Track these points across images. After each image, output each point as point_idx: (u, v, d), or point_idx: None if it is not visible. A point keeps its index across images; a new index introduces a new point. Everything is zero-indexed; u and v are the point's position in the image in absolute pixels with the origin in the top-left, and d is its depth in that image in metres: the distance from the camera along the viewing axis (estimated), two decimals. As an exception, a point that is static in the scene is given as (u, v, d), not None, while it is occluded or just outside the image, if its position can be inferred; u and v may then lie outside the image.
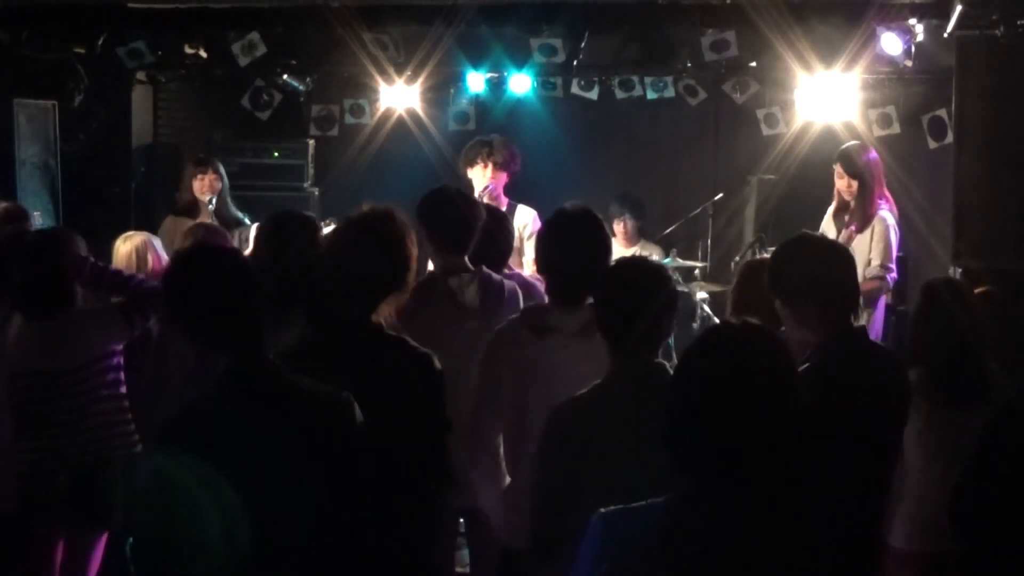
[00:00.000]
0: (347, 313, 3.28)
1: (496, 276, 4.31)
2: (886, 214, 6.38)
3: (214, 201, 6.96)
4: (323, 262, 3.39)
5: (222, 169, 7.13)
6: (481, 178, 6.50)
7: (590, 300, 3.71)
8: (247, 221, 6.91)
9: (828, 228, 6.47)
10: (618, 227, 8.04)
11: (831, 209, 6.59)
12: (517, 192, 6.73)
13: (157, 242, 5.54)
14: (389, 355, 3.28)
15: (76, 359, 4.36)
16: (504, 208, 6.27)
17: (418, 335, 3.39)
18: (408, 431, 3.19)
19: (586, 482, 2.85)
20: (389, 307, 3.33)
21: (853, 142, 6.75)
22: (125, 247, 5.37)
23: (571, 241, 3.71)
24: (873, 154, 6.51)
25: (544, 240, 3.81)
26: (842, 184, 6.42)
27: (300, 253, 3.99)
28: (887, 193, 6.52)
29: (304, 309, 3.65)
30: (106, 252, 5.37)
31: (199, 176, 6.99)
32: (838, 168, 6.45)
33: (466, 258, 4.28)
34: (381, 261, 3.30)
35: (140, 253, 5.34)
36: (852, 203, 6.40)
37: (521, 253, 6.41)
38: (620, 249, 7.76)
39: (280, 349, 3.52)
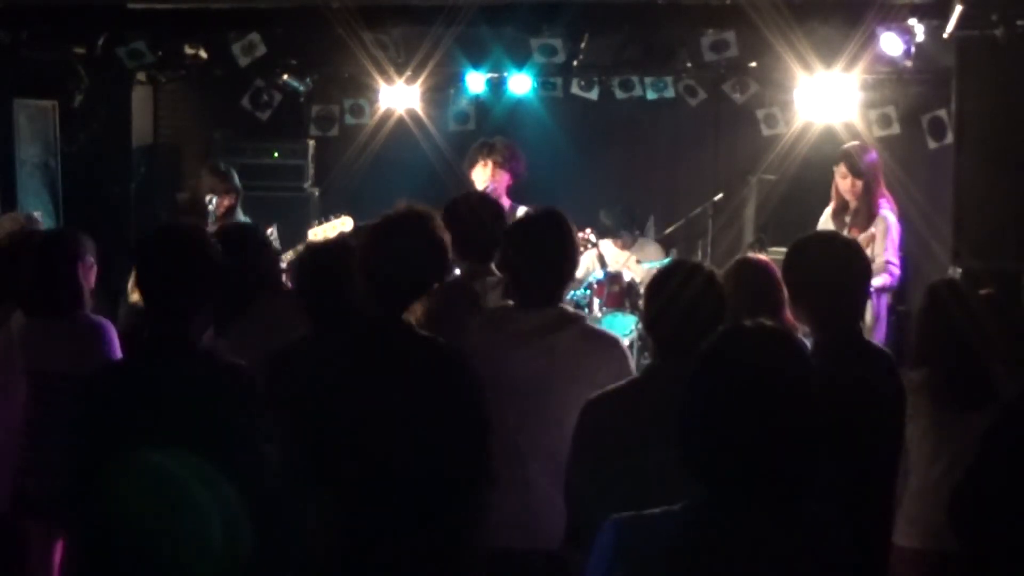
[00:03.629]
0: (381, 312, 3.26)
1: None
2: (887, 213, 6.38)
3: (213, 202, 6.94)
4: (360, 258, 3.36)
5: (237, 181, 7.07)
6: (482, 177, 6.49)
7: (558, 303, 3.69)
8: None
9: (827, 228, 6.45)
10: (615, 240, 7.96)
11: (829, 209, 6.58)
12: (517, 191, 6.73)
13: None
14: (422, 354, 3.25)
15: (82, 366, 4.33)
16: (507, 210, 6.26)
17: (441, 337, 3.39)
18: (444, 429, 3.16)
19: (619, 475, 2.84)
20: (421, 307, 3.31)
21: (853, 143, 6.75)
22: None
23: (534, 243, 3.68)
24: (873, 154, 6.51)
25: (507, 242, 3.79)
26: (845, 184, 6.40)
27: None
28: (886, 192, 6.52)
29: (311, 307, 3.66)
30: (108, 252, 5.36)
31: (220, 196, 6.90)
32: (841, 168, 6.43)
33: (492, 264, 4.29)
34: (421, 260, 3.28)
35: None
36: (853, 203, 6.39)
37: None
38: (616, 252, 7.74)
39: (303, 345, 3.54)
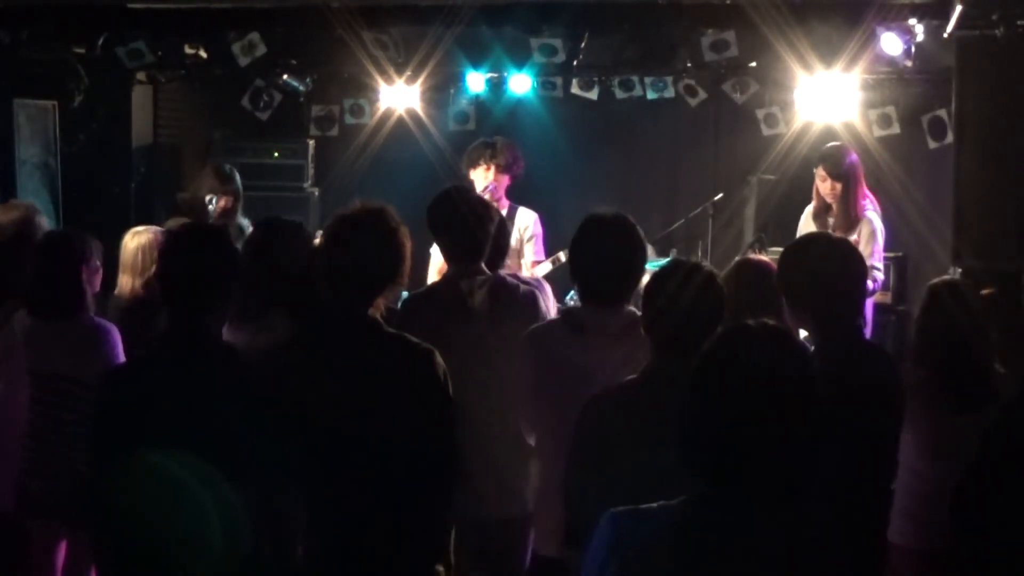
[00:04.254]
0: (344, 309, 3.29)
1: (511, 280, 4.30)
2: (872, 215, 6.39)
3: (213, 202, 6.93)
4: (318, 259, 3.40)
5: (238, 182, 7.08)
6: (482, 179, 6.49)
7: (628, 305, 3.73)
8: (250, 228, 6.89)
9: (808, 230, 6.44)
10: None
11: (810, 210, 6.59)
12: (517, 191, 6.73)
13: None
14: (388, 350, 3.29)
15: (83, 369, 4.33)
16: (505, 210, 6.26)
17: (423, 335, 3.41)
18: (411, 426, 3.20)
19: (618, 476, 2.85)
20: (385, 301, 3.35)
21: (833, 143, 6.77)
22: (132, 243, 5.28)
23: (607, 244, 3.69)
24: (854, 156, 6.52)
25: (580, 244, 3.78)
26: (825, 187, 6.43)
27: (290, 255, 4.03)
28: (868, 192, 6.52)
29: (291, 307, 3.68)
30: (107, 252, 5.35)
31: (221, 197, 6.92)
32: (820, 171, 6.45)
33: (482, 263, 4.27)
34: (376, 255, 3.32)
35: (145, 252, 5.27)
36: (834, 205, 6.41)
37: (520, 255, 6.40)
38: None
39: (269, 344, 3.56)
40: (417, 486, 3.25)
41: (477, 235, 4.24)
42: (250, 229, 6.73)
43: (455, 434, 3.34)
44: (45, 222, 5.68)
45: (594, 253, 3.71)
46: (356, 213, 3.37)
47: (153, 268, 5.17)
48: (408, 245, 3.40)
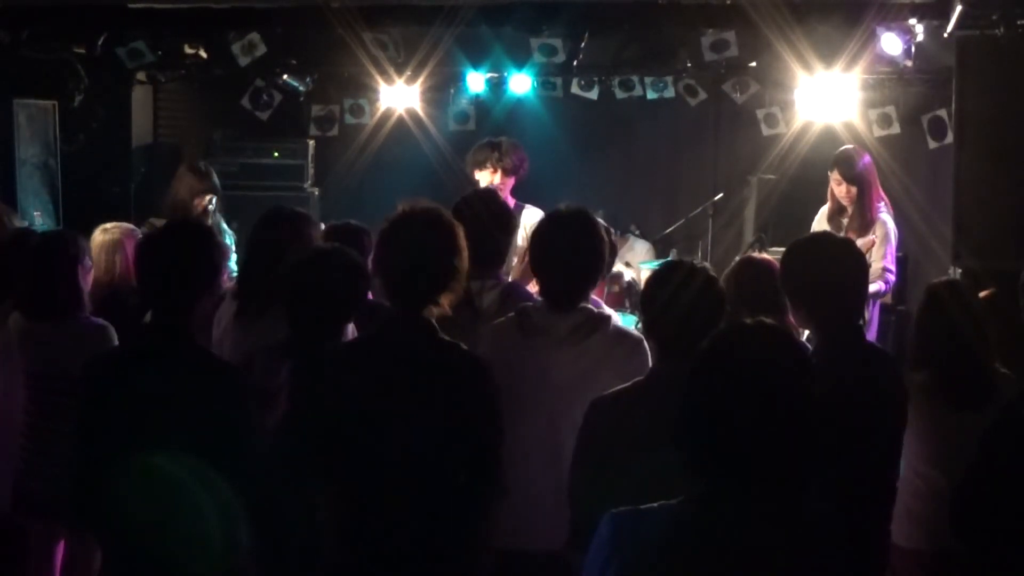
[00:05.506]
0: (401, 310, 3.25)
1: (523, 288, 4.28)
2: (886, 217, 6.40)
3: (214, 202, 6.92)
4: (373, 261, 3.35)
5: (216, 180, 7.08)
6: (486, 179, 6.48)
7: (584, 304, 3.67)
8: (230, 232, 6.86)
9: (822, 229, 6.45)
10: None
11: (825, 211, 6.59)
12: (517, 192, 6.73)
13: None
14: (437, 357, 3.22)
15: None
16: (512, 208, 6.26)
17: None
18: (451, 439, 3.15)
19: (622, 477, 2.84)
20: (446, 302, 3.27)
21: (847, 147, 6.77)
22: (97, 240, 5.17)
23: (565, 243, 3.66)
24: (867, 158, 6.52)
25: (537, 241, 3.76)
26: (840, 190, 6.43)
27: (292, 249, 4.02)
28: (883, 194, 6.53)
29: (288, 307, 3.65)
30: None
31: (200, 195, 6.90)
32: (835, 174, 6.45)
33: (500, 271, 4.26)
34: (437, 255, 3.25)
35: (108, 252, 5.16)
36: (849, 208, 6.42)
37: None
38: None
39: (279, 344, 3.55)
40: (453, 503, 3.17)
41: (497, 241, 4.24)
42: (225, 227, 6.73)
43: (498, 454, 3.23)
44: (15, 220, 5.66)
45: (552, 252, 3.68)
46: (415, 212, 3.30)
47: (117, 268, 5.14)
48: (465, 246, 3.32)
